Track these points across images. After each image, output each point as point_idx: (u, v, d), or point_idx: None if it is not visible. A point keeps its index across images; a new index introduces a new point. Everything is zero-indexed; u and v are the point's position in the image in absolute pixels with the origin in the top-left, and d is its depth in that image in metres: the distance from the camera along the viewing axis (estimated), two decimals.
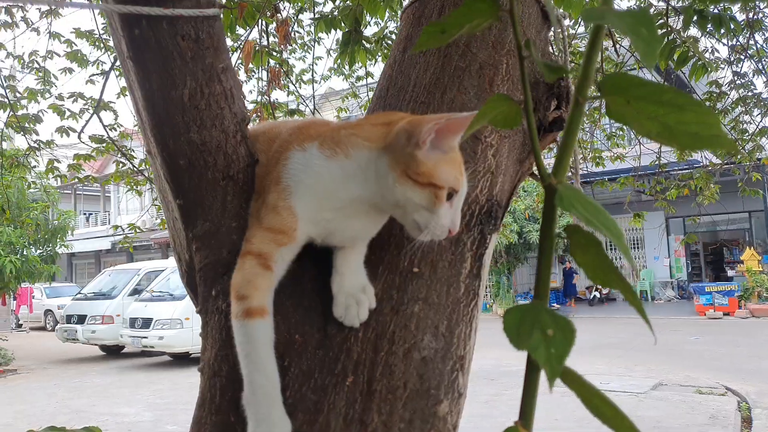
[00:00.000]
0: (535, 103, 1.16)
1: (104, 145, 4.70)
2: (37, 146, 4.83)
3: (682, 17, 2.88)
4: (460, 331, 0.95)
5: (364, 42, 3.02)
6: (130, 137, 5.22)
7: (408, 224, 0.91)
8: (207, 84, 0.92)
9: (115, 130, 4.93)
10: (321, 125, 1.05)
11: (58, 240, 13.76)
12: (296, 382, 0.90)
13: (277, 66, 3.59)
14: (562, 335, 0.58)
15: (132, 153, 4.76)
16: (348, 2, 3.22)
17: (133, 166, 4.74)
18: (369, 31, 4.40)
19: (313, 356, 0.92)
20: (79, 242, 23.89)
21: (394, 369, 0.89)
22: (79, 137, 4.27)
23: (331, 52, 5.43)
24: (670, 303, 18.36)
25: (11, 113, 4.48)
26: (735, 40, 4.53)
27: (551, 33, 1.71)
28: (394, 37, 3.68)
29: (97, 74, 4.64)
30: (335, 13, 3.16)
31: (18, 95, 4.75)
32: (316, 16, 3.44)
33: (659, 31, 2.83)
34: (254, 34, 3.32)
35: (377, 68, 7.14)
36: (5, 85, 4.52)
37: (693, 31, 3.77)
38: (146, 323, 11.71)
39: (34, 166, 5.76)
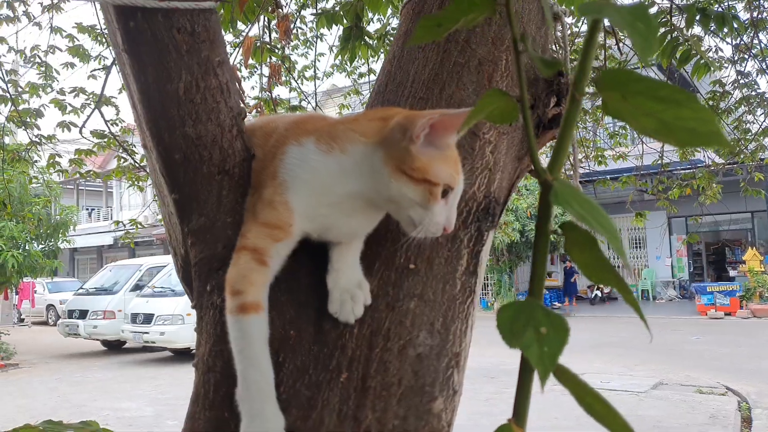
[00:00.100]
0: (534, 100, 1.16)
1: (105, 140, 4.70)
2: (38, 141, 4.84)
3: (685, 16, 2.87)
4: (455, 328, 0.95)
5: (365, 38, 3.01)
6: (132, 132, 5.21)
7: (403, 220, 0.90)
8: (203, 77, 0.92)
9: (117, 125, 4.93)
10: (318, 120, 1.05)
11: (60, 235, 13.78)
12: (290, 378, 0.89)
13: (278, 62, 3.59)
14: (555, 334, 0.58)
15: (133, 148, 4.76)
16: None
17: (135, 161, 4.75)
18: (371, 27, 4.39)
19: (308, 352, 0.91)
20: (82, 237, 23.92)
21: (389, 366, 0.88)
22: (80, 132, 4.27)
23: (333, 48, 5.42)
24: (672, 303, 18.34)
25: (12, 108, 4.48)
26: (739, 39, 4.51)
27: (558, 30, 1.70)
28: None
29: (99, 69, 4.64)
30: (337, 8, 3.15)
31: (20, 89, 4.75)
32: (318, 11, 3.43)
33: (662, 29, 2.82)
34: (256, 30, 3.31)
35: (380, 65, 7.12)
36: (7, 79, 4.52)
37: (697, 30, 3.75)
38: (148, 319, 11.74)
39: (36, 161, 5.77)
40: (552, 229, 0.69)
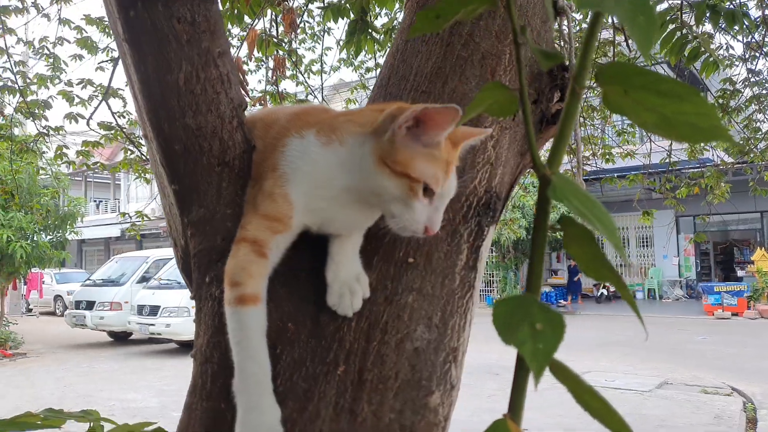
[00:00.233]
0: (538, 95, 1.15)
1: (113, 132, 4.72)
2: (46, 132, 4.86)
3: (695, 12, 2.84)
4: (454, 323, 0.94)
5: (372, 32, 3.00)
6: (138, 125, 5.23)
7: (386, 214, 0.90)
8: (203, 68, 0.91)
9: (124, 117, 4.95)
10: (320, 112, 1.04)
11: (68, 226, 13.85)
12: (287, 371, 0.89)
13: (284, 55, 3.58)
14: (551, 330, 0.57)
15: (140, 141, 4.78)
16: None
17: (141, 153, 4.76)
18: (379, 22, 4.38)
19: (306, 345, 0.91)
20: (89, 229, 24.07)
21: (386, 359, 0.88)
22: (87, 124, 4.29)
23: (340, 42, 5.41)
24: (678, 302, 18.25)
25: (21, 99, 4.50)
26: (750, 37, 4.47)
27: (564, 25, 1.69)
28: None
29: (107, 61, 4.65)
30: (343, 1, 3.14)
31: (28, 80, 4.77)
32: (325, 4, 3.42)
33: (671, 26, 2.80)
34: (265, 24, 3.31)
35: None
36: (15, 70, 4.54)
37: (708, 27, 3.72)
38: (154, 311, 11.80)
39: (44, 152, 5.80)
40: (551, 224, 0.69)
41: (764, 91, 5.17)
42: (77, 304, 13.74)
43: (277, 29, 3.50)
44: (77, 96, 4.84)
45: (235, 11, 2.81)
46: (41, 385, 8.86)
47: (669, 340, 11.11)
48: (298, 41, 4.77)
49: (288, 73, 4.37)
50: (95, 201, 28.32)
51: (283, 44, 3.68)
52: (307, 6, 4.40)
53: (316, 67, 5.37)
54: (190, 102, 0.92)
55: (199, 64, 0.91)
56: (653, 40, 0.52)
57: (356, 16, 2.94)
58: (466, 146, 0.97)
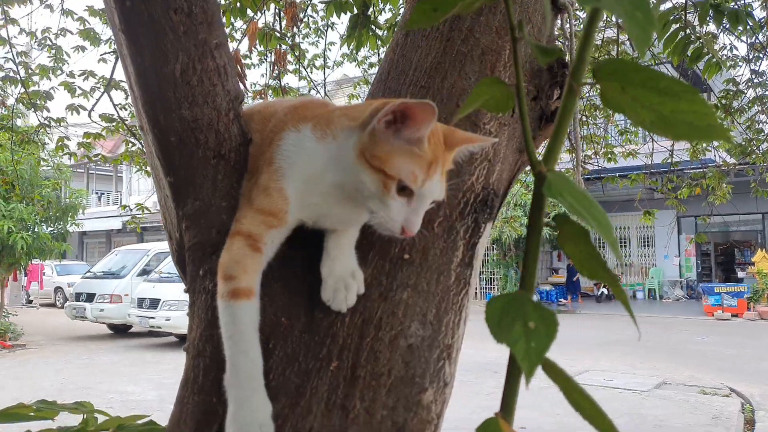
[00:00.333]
0: (537, 92, 1.14)
1: (114, 124, 4.71)
2: (47, 123, 4.86)
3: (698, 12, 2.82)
4: (448, 320, 0.93)
5: (374, 27, 2.99)
6: (136, 116, 5.22)
7: (367, 211, 0.88)
8: (200, 60, 0.91)
9: (126, 109, 4.94)
10: (318, 106, 1.03)
11: (69, 218, 13.86)
12: (280, 366, 0.89)
13: (286, 49, 3.57)
14: (544, 329, 0.57)
15: (141, 133, 4.77)
16: None
17: (143, 146, 4.75)
18: (382, 18, 4.36)
19: (299, 340, 0.91)
20: (91, 221, 24.10)
21: (380, 355, 0.88)
22: (89, 116, 4.28)
23: (343, 37, 5.39)
24: (678, 302, 18.24)
25: (23, 90, 4.50)
26: (754, 37, 4.45)
27: (566, 24, 1.68)
28: None
29: (109, 53, 4.64)
30: None
31: (30, 71, 4.77)
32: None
33: (674, 26, 2.78)
34: (266, 17, 3.30)
35: None
36: (18, 61, 4.54)
37: (712, 27, 3.70)
38: (154, 303, 11.82)
39: (46, 144, 5.79)
40: (545, 221, 0.68)
41: (767, 93, 5.15)
42: (77, 296, 13.76)
43: (280, 23, 3.49)
44: (79, 87, 4.84)
45: (238, 4, 2.80)
46: (41, 376, 8.88)
47: (669, 340, 11.10)
48: (301, 36, 4.76)
49: (291, 67, 4.36)
50: (97, 193, 28.33)
51: (286, 38, 3.67)
52: (310, 0, 4.39)
53: (319, 62, 5.36)
54: (187, 94, 0.91)
55: (195, 55, 0.90)
56: (651, 38, 0.51)
57: (358, 11, 2.93)
58: (465, 151, 0.95)
